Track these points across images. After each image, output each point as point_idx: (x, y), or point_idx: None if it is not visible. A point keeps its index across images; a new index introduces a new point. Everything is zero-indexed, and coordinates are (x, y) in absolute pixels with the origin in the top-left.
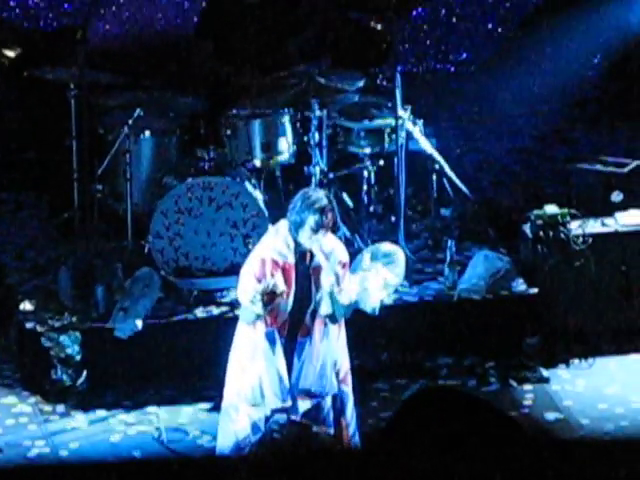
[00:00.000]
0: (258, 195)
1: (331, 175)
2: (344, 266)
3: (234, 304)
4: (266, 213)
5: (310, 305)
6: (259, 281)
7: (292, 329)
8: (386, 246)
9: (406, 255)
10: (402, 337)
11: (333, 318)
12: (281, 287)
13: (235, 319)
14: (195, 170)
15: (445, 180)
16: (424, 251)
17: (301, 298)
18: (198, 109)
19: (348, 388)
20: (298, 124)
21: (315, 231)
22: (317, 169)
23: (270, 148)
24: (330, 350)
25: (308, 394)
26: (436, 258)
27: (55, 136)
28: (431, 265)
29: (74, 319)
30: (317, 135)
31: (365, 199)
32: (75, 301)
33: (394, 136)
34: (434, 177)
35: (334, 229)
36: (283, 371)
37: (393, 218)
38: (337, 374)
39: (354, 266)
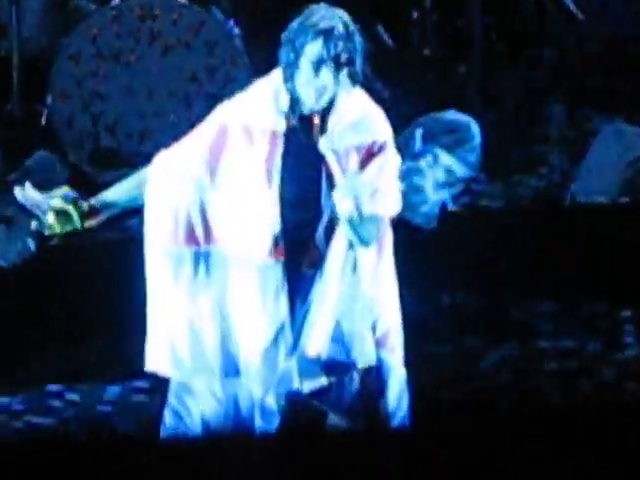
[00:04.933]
0: (235, 28)
1: None
2: (379, 150)
3: None
4: (247, 58)
5: (321, 213)
6: (213, 156)
7: (290, 253)
8: (450, 115)
9: (483, 130)
10: (476, 267)
11: (361, 239)
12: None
13: None
14: None
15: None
16: (513, 122)
17: (303, 200)
18: None
19: (392, 355)
20: None
21: (317, 69)
22: None
23: None
24: (360, 292)
25: (320, 364)
26: (534, 134)
27: None
28: (525, 147)
29: None
30: None
31: (414, 37)
32: None
33: None
34: None
35: (353, 76)
36: (281, 310)
37: (463, 67)
38: (373, 332)
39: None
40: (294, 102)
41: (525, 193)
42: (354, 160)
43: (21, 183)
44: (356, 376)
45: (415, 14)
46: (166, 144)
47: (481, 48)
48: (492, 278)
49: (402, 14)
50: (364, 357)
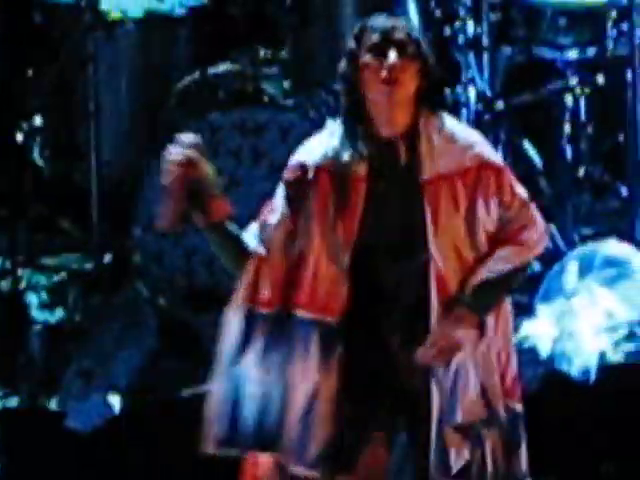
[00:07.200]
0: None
1: (500, 104)
2: (492, 174)
3: None
4: None
5: (420, 262)
6: (291, 203)
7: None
8: (611, 248)
9: None
10: None
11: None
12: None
13: None
14: (225, 94)
15: None
16: None
17: (398, 248)
18: None
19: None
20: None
21: (381, 53)
22: (472, 92)
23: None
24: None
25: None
26: None
27: None
28: None
29: None
30: (471, 25)
31: (568, 152)
32: None
33: (625, 26)
34: None
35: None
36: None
37: (624, 190)
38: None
39: (549, 288)
40: (367, 126)
41: None
42: (461, 190)
43: (101, 330)
44: (490, 433)
45: (567, 128)
46: None
47: None
48: None
49: (551, 128)
50: (491, 407)
